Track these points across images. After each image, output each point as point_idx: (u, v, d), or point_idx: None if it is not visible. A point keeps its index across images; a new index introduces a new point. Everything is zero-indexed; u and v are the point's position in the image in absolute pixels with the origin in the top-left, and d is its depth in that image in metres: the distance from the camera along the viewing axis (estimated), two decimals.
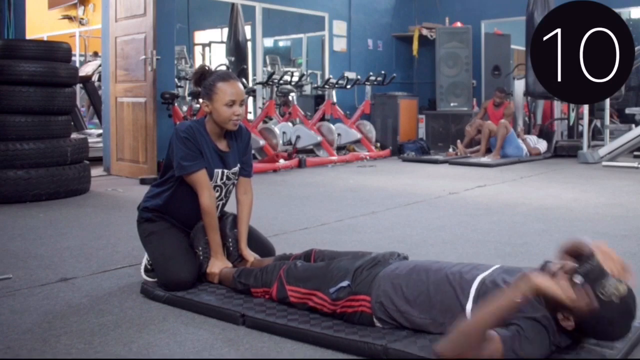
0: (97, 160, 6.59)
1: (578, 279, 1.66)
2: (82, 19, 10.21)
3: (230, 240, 2.61)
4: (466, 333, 1.68)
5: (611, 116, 8.72)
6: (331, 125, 8.00)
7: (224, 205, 2.71)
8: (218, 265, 2.51)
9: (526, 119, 9.04)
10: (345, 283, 2.04)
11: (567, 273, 1.68)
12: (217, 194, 2.61)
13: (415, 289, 1.94)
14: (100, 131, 7.29)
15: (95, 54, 10.04)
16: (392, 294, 1.97)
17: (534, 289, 1.65)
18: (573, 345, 1.81)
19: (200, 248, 2.54)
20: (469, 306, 1.83)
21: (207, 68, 2.64)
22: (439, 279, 1.93)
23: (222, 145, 2.61)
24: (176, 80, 7.49)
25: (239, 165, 2.67)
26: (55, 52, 5.06)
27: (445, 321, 1.86)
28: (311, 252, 2.48)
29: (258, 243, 2.73)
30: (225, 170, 2.60)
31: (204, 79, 2.57)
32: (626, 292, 1.68)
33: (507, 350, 1.64)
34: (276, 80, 7.67)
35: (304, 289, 2.14)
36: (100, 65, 7.84)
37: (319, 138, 7.61)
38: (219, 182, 2.60)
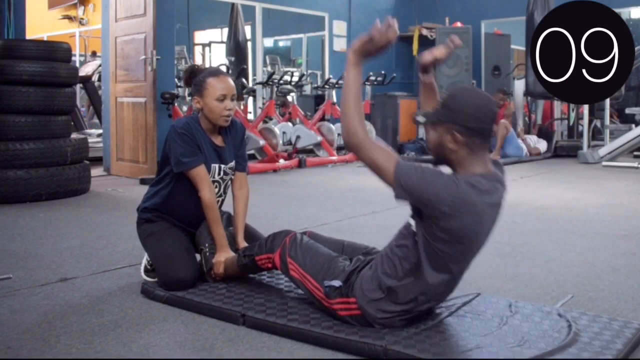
0: (97, 160, 6.59)
1: (420, 118, 1.95)
2: (82, 19, 10.21)
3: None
4: (345, 112, 1.89)
5: (611, 116, 8.72)
6: (331, 125, 8.00)
7: (223, 201, 2.71)
8: (224, 255, 2.50)
9: (526, 119, 9.04)
10: (337, 283, 2.03)
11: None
12: (216, 190, 2.61)
13: (375, 273, 1.98)
14: (100, 131, 7.29)
15: (94, 54, 10.04)
16: (367, 288, 1.97)
17: (355, 50, 1.89)
18: (487, 183, 1.87)
19: (206, 244, 2.54)
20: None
21: (196, 66, 2.66)
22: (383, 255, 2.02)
23: (218, 140, 2.62)
24: (176, 80, 7.48)
25: (234, 160, 2.67)
26: (55, 52, 5.06)
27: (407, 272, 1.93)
28: (304, 234, 2.45)
29: (253, 239, 2.72)
30: (222, 165, 2.61)
31: (194, 77, 2.58)
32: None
33: (399, 173, 1.80)
34: (276, 80, 7.67)
35: (301, 268, 2.14)
36: (100, 65, 7.84)
37: (319, 138, 7.61)
38: (216, 178, 2.60)
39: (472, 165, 1.87)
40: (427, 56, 2.09)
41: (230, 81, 2.56)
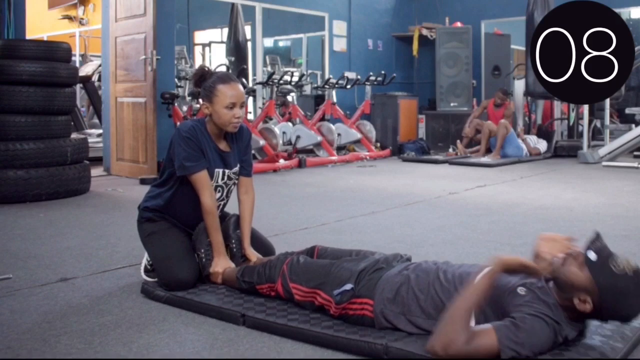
0: (97, 160, 6.59)
1: (592, 255, 1.72)
2: (82, 19, 10.21)
3: (233, 241, 2.60)
4: (450, 319, 1.71)
5: (611, 116, 8.72)
6: (331, 125, 8.00)
7: (224, 205, 2.71)
8: (221, 264, 2.50)
9: (526, 119, 9.04)
10: (348, 286, 2.03)
11: (575, 258, 1.76)
12: (219, 194, 2.61)
13: (420, 293, 1.94)
14: (100, 131, 7.29)
15: (83, 56, 10.02)
16: (395, 299, 1.96)
17: (502, 264, 1.79)
18: (579, 337, 1.83)
19: (202, 250, 2.53)
20: None
21: (207, 69, 2.63)
22: (442, 281, 1.93)
23: (223, 145, 2.61)
24: (176, 80, 7.48)
25: (239, 165, 2.67)
26: (55, 52, 5.06)
27: None
28: (314, 249, 2.47)
29: (258, 243, 2.73)
30: (226, 170, 2.61)
31: (204, 80, 2.56)
32: (637, 266, 1.73)
33: (502, 338, 1.66)
34: (276, 80, 7.67)
35: (306, 287, 2.14)
36: (100, 65, 7.84)
37: (319, 138, 7.61)
38: (220, 182, 2.60)
39: (568, 314, 1.78)
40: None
41: (240, 88, 2.54)
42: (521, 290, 1.80)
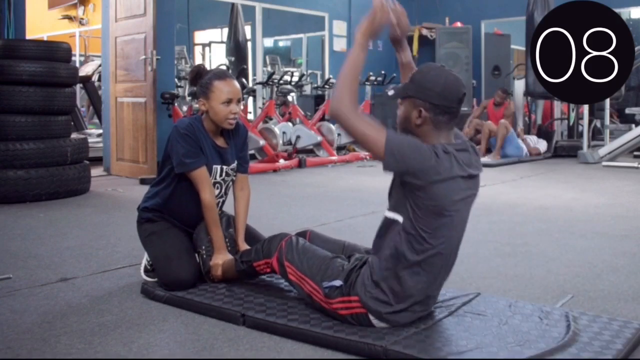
0: (97, 160, 6.59)
1: (390, 92, 2.03)
2: (82, 19, 10.21)
3: (227, 239, 2.61)
4: (337, 87, 1.93)
5: (611, 116, 8.72)
6: (331, 125, 8.00)
7: (223, 202, 2.71)
8: (221, 257, 2.50)
9: (526, 119, 9.04)
10: (338, 283, 2.03)
11: None
12: (217, 191, 2.61)
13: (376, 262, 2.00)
14: (100, 131, 7.29)
15: (85, 56, 10.02)
16: (368, 282, 1.98)
17: (361, 31, 1.95)
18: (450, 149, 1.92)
19: (203, 247, 2.54)
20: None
21: (202, 67, 2.65)
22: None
23: (220, 141, 2.62)
24: (176, 80, 7.48)
25: (236, 161, 2.67)
26: (55, 52, 5.06)
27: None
28: (305, 233, 2.45)
29: (254, 239, 2.72)
30: (224, 167, 2.61)
31: (200, 77, 2.57)
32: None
33: (390, 139, 1.85)
34: (276, 80, 7.67)
35: (299, 271, 2.14)
36: (100, 65, 7.84)
37: (319, 138, 7.61)
38: (218, 179, 2.60)
39: (436, 140, 1.94)
40: (392, 30, 2.11)
41: (236, 84, 2.56)
42: None
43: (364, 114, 1.94)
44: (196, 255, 2.57)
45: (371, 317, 1.98)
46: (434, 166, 1.86)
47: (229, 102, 2.51)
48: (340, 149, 8.18)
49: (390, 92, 2.02)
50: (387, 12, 1.97)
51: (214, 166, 2.58)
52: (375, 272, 1.98)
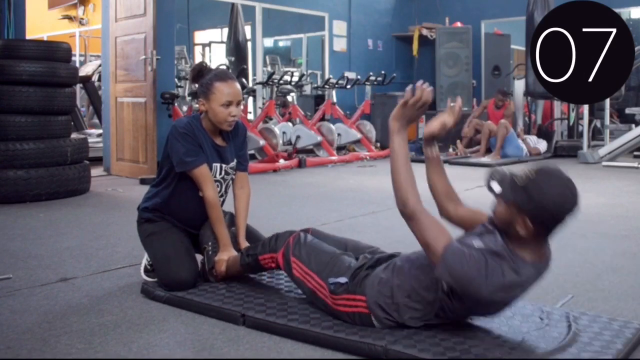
0: (97, 160, 6.59)
1: (495, 187, 1.83)
2: (82, 19, 10.21)
3: None
4: (396, 187, 1.86)
5: (611, 116, 8.72)
6: (331, 125, 8.00)
7: (224, 201, 2.71)
8: (227, 254, 2.50)
9: (526, 119, 9.04)
10: (343, 280, 2.03)
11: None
12: (218, 189, 2.61)
13: (401, 280, 1.96)
14: (100, 131, 7.29)
15: (87, 56, 10.02)
16: (385, 290, 1.97)
17: (395, 116, 1.86)
18: (534, 272, 1.82)
19: (209, 243, 2.54)
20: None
21: (205, 65, 2.64)
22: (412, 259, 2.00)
23: (219, 140, 2.62)
24: (176, 80, 7.48)
25: (236, 159, 2.67)
26: (55, 52, 5.06)
27: (429, 296, 1.92)
28: (307, 231, 2.45)
29: (254, 240, 2.73)
30: (224, 165, 2.61)
31: (201, 76, 2.57)
32: (532, 168, 1.87)
33: (448, 252, 1.76)
34: (276, 80, 7.67)
35: (305, 267, 2.14)
36: (100, 65, 7.85)
37: (319, 138, 7.61)
38: (218, 177, 2.60)
39: (527, 250, 1.81)
40: (435, 126, 1.99)
41: (237, 86, 2.55)
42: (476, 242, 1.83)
43: (429, 213, 1.84)
44: (200, 253, 2.57)
45: (373, 319, 1.98)
46: (492, 287, 1.75)
47: (229, 104, 2.50)
48: (340, 149, 8.18)
49: (497, 189, 1.82)
50: (421, 98, 1.84)
51: (214, 164, 2.58)
52: (393, 289, 1.95)
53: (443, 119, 1.99)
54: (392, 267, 2.01)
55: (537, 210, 1.75)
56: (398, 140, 1.87)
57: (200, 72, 2.58)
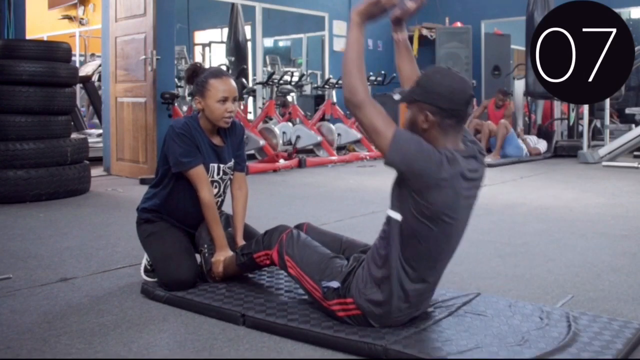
0: (97, 160, 6.59)
1: (396, 96, 1.98)
2: (82, 19, 10.21)
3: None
4: (345, 73, 1.89)
5: (611, 116, 8.72)
6: (331, 125, 8.00)
7: (222, 201, 2.71)
8: (223, 254, 2.50)
9: (526, 119, 9.04)
10: (335, 284, 2.02)
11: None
12: (215, 190, 2.61)
13: (365, 271, 1.99)
14: (100, 131, 7.29)
15: (90, 55, 10.01)
16: (361, 286, 1.98)
17: (358, 12, 1.91)
18: (463, 160, 1.89)
19: (205, 245, 2.54)
20: None
21: (199, 65, 2.65)
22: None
23: (217, 140, 2.62)
24: (176, 80, 7.48)
25: (233, 160, 2.67)
26: (55, 52, 5.06)
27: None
28: (302, 226, 2.45)
29: (252, 238, 2.72)
30: (221, 165, 2.61)
31: (196, 75, 2.58)
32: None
33: (399, 134, 1.83)
34: (276, 80, 7.67)
35: (298, 267, 2.14)
36: (100, 65, 7.85)
37: (319, 138, 7.61)
38: (215, 178, 2.60)
39: (443, 144, 1.89)
40: (397, 10, 2.06)
41: (232, 83, 2.56)
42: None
43: (376, 103, 1.88)
44: (198, 254, 2.57)
45: (369, 318, 1.98)
46: (435, 171, 1.81)
47: (224, 100, 2.51)
48: (340, 149, 8.18)
49: (396, 97, 1.98)
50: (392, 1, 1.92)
51: (211, 165, 2.58)
52: (369, 271, 1.97)
53: (408, 3, 2.05)
54: (363, 262, 2.04)
55: (432, 99, 1.87)
56: (357, 33, 1.93)
57: (195, 72, 2.60)
